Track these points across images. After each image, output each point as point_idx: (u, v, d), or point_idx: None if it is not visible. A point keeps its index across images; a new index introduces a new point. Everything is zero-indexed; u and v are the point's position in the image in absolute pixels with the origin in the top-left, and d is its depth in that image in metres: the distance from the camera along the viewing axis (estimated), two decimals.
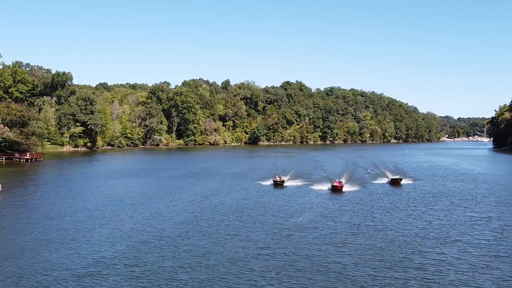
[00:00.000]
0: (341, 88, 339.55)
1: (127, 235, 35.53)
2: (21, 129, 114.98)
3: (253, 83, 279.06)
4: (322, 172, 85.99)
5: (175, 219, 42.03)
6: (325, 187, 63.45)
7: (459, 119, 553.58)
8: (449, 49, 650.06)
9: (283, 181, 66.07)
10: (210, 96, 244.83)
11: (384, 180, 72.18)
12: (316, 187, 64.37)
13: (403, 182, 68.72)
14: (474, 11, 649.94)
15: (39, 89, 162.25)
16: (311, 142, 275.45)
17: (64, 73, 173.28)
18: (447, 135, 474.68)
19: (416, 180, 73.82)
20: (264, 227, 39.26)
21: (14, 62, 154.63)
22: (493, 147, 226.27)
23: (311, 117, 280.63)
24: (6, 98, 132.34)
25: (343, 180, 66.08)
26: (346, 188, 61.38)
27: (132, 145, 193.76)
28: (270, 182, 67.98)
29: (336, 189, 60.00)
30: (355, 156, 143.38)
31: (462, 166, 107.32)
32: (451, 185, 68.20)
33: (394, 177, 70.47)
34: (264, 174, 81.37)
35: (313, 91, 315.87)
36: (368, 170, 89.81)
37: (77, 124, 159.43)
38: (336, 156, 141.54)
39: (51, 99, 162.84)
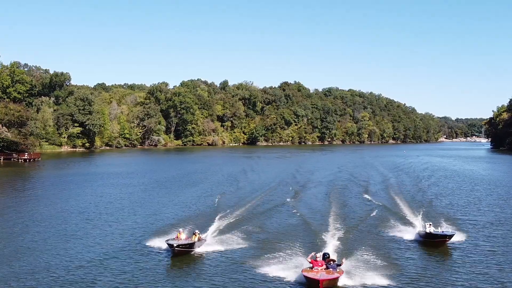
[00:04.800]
0: (339, 88, 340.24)
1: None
2: (19, 129, 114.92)
3: (252, 83, 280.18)
4: (297, 203, 48.50)
5: None
6: (291, 270, 25.84)
7: (457, 119, 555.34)
8: (447, 49, 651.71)
9: (189, 246, 29.18)
10: (208, 96, 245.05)
11: (410, 232, 35.05)
12: (269, 268, 26.41)
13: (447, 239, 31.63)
14: (473, 11, 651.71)
15: (37, 89, 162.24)
16: (309, 143, 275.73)
17: (62, 74, 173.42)
18: (445, 136, 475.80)
19: (469, 234, 34.66)
20: None
21: (12, 62, 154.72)
22: (491, 148, 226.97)
23: (309, 117, 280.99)
24: (4, 98, 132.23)
25: (331, 253, 27.58)
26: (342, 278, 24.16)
27: (130, 145, 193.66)
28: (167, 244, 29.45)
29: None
30: (353, 159, 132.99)
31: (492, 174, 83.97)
32: None
33: (432, 230, 31.87)
34: (205, 203, 48.85)
35: (311, 91, 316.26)
36: (371, 198, 52.54)
37: (75, 124, 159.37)
38: (330, 162, 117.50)
39: (49, 99, 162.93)
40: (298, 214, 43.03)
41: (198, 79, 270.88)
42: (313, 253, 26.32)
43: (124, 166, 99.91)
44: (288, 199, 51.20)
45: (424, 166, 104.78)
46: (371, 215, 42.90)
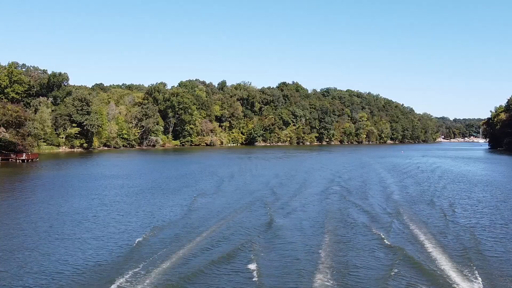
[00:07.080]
0: (337, 89, 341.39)
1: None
2: (17, 129, 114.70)
3: (250, 84, 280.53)
4: (268, 247, 29.22)
5: None
6: None
7: (455, 120, 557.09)
8: (444, 50, 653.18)
9: None
10: (206, 97, 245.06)
11: None
12: None
13: None
14: (470, 12, 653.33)
15: (35, 89, 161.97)
16: (308, 143, 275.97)
17: (60, 74, 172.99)
18: (443, 136, 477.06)
19: None
20: None
21: (10, 62, 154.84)
22: (489, 148, 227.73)
23: (307, 118, 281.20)
24: (2, 99, 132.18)
25: None
26: None
27: (128, 145, 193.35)
28: None
29: None
30: (351, 161, 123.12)
31: None
32: None
33: None
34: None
35: (309, 92, 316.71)
36: (382, 234, 32.33)
37: (73, 124, 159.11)
38: (327, 165, 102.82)
39: (47, 99, 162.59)
40: (265, 276, 23.68)
41: (196, 80, 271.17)
42: None
43: (101, 168, 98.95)
44: (257, 236, 32.28)
45: (435, 170, 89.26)
46: (391, 276, 23.57)
